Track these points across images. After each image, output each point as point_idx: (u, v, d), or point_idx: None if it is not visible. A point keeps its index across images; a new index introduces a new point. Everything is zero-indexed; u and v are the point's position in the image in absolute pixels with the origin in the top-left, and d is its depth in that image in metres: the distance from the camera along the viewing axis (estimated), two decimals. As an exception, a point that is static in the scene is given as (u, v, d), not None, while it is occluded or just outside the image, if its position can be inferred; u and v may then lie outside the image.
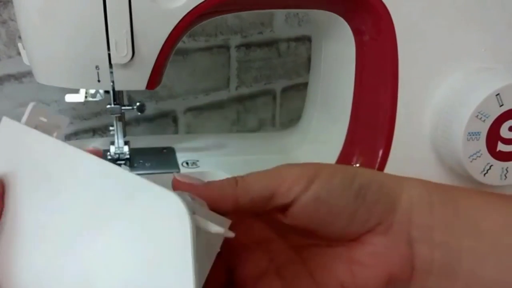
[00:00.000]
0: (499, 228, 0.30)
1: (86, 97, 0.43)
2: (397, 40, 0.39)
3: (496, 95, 0.37)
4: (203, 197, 0.26)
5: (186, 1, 0.35)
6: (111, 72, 0.36)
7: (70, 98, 0.43)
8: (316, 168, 0.28)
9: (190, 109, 0.65)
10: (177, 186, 0.27)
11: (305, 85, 0.53)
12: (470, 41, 0.40)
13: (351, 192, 0.28)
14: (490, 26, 0.40)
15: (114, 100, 0.41)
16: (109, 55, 0.35)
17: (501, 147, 0.39)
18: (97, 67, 0.36)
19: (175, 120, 0.64)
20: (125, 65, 0.36)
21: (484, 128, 0.38)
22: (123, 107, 0.42)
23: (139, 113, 0.42)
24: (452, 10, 0.39)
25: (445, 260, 0.29)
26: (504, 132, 0.38)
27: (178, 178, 0.28)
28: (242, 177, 0.28)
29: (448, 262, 0.29)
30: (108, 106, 0.41)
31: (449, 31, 0.39)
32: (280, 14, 0.68)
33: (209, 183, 0.28)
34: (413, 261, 0.29)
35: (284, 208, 0.28)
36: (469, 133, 0.37)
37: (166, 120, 0.64)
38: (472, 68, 0.40)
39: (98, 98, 0.44)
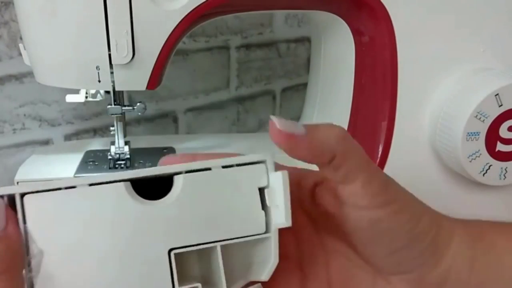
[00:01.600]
0: None
1: (86, 97, 0.44)
2: (396, 41, 0.39)
3: (495, 95, 0.37)
4: (305, 152, 0.24)
5: (186, 2, 0.35)
6: (112, 73, 0.36)
7: (70, 98, 0.44)
8: (395, 194, 0.26)
9: (190, 109, 0.65)
10: (276, 138, 0.25)
11: (304, 85, 0.54)
12: (469, 41, 0.40)
13: (408, 235, 0.27)
14: (489, 27, 0.40)
15: (115, 100, 0.41)
16: (109, 55, 0.35)
17: (500, 147, 0.39)
18: (97, 67, 0.36)
19: (175, 120, 0.65)
20: (126, 66, 0.36)
21: (483, 128, 0.38)
22: (123, 107, 0.42)
23: (139, 113, 0.42)
24: (451, 10, 0.39)
25: None
26: (503, 132, 0.39)
27: (278, 125, 0.24)
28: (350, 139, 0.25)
29: None
30: (109, 106, 0.41)
31: (448, 31, 0.39)
32: (279, 15, 0.68)
33: (311, 131, 0.25)
34: None
35: (343, 203, 0.26)
36: (468, 133, 0.38)
37: (167, 120, 0.64)
38: (471, 69, 0.40)
39: (98, 98, 0.44)
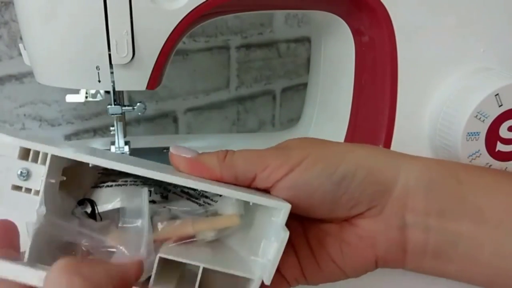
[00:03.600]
0: (502, 211, 0.29)
1: (86, 97, 0.44)
2: (396, 41, 0.39)
3: (495, 95, 0.37)
4: (191, 167, 0.28)
5: (186, 2, 0.35)
6: (112, 73, 0.36)
7: (70, 98, 0.44)
8: (301, 156, 0.28)
9: (190, 109, 0.65)
10: (172, 159, 0.29)
11: (305, 85, 0.54)
12: (469, 41, 0.40)
13: (331, 182, 0.28)
14: (489, 27, 0.40)
15: (115, 100, 0.41)
16: (109, 55, 0.35)
17: (500, 147, 0.39)
18: (97, 67, 0.36)
19: (175, 120, 0.65)
20: (126, 66, 0.36)
21: (483, 128, 0.38)
22: (123, 107, 0.42)
23: (139, 113, 0.42)
24: (451, 11, 0.39)
25: (440, 245, 0.29)
26: (503, 132, 0.39)
27: (174, 151, 0.29)
28: (233, 152, 0.29)
29: (443, 246, 0.29)
30: (109, 106, 0.41)
31: (448, 31, 0.39)
32: (279, 15, 0.68)
33: (200, 154, 0.29)
34: (405, 245, 0.29)
35: (268, 190, 0.29)
36: (468, 133, 0.38)
37: (167, 120, 0.64)
38: (471, 69, 0.40)
39: (98, 98, 0.44)
